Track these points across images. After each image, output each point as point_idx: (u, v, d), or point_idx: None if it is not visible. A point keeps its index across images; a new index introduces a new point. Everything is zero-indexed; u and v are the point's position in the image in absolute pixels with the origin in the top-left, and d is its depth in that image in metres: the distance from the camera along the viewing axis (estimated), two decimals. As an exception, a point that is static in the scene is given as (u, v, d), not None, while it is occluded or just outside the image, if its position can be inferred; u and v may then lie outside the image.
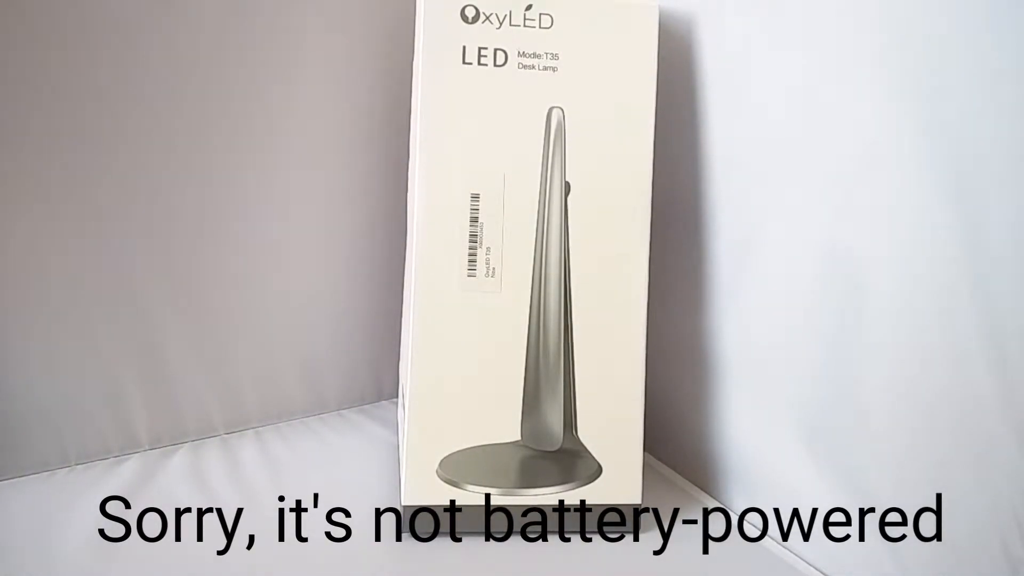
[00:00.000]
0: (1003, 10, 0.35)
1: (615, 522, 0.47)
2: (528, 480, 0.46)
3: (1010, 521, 0.36)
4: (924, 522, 0.40)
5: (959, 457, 0.38)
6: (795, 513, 0.47)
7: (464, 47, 0.45)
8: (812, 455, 0.45)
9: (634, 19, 0.46)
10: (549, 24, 0.45)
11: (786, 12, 0.45)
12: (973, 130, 0.36)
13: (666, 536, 0.48)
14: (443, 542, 0.46)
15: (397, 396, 0.65)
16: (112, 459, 0.53)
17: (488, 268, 0.45)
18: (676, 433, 0.56)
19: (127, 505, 0.48)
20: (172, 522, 0.47)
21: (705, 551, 0.47)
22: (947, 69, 0.37)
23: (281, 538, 0.46)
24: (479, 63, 0.45)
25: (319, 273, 0.60)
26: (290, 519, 0.48)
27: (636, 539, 0.47)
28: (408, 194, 0.55)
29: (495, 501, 0.46)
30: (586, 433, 0.47)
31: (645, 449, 0.48)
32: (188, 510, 0.48)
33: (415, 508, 0.46)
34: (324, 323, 0.61)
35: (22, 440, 0.50)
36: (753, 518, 0.50)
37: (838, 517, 0.44)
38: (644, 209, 0.47)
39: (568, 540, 0.47)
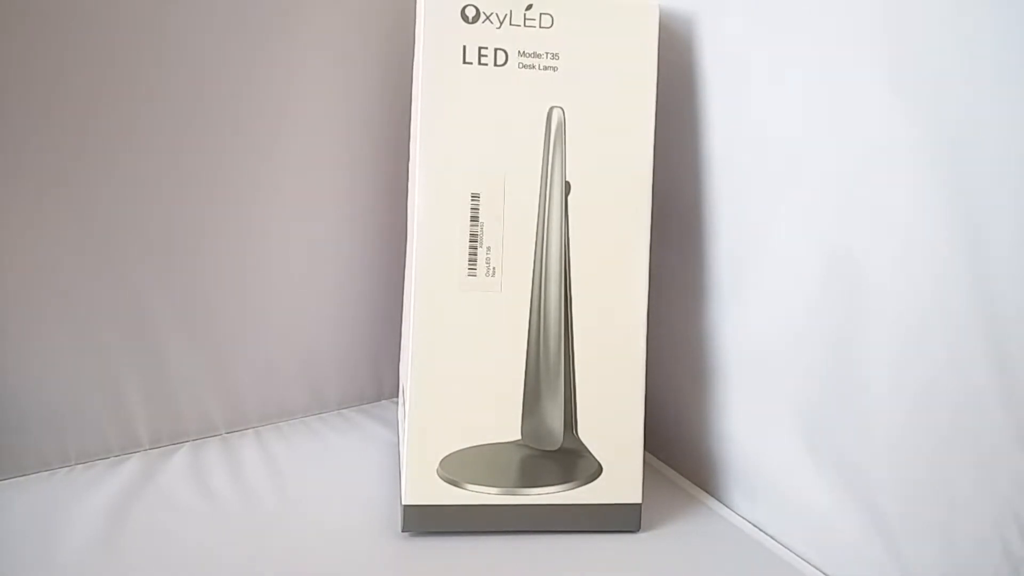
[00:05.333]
0: (1004, 10, 0.35)
1: (615, 521, 0.47)
2: (528, 479, 0.46)
3: (1010, 521, 0.36)
4: (924, 522, 0.40)
5: (959, 457, 0.38)
6: (795, 513, 0.47)
7: (464, 47, 0.45)
8: (812, 455, 0.45)
9: (634, 19, 0.46)
10: (549, 24, 0.45)
11: (786, 12, 0.45)
12: (973, 130, 0.36)
13: (666, 536, 0.48)
14: (444, 542, 0.46)
15: (397, 395, 0.65)
16: (112, 459, 0.53)
17: (488, 268, 0.45)
18: (676, 433, 0.56)
19: (127, 505, 0.48)
20: (172, 522, 0.47)
21: (705, 551, 0.47)
22: (948, 69, 0.37)
23: (281, 538, 0.46)
24: (479, 63, 0.45)
25: (319, 273, 0.60)
26: (290, 519, 0.48)
27: (636, 538, 0.47)
28: (408, 194, 0.55)
29: (495, 501, 0.46)
30: (586, 432, 0.47)
31: (645, 449, 0.48)
32: (188, 510, 0.48)
33: (416, 507, 0.46)
34: (324, 323, 0.61)
35: (23, 440, 0.50)
36: (753, 517, 0.50)
37: (838, 517, 0.44)
38: (644, 209, 0.47)
39: (568, 540, 0.47)
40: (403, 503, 0.46)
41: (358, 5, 0.57)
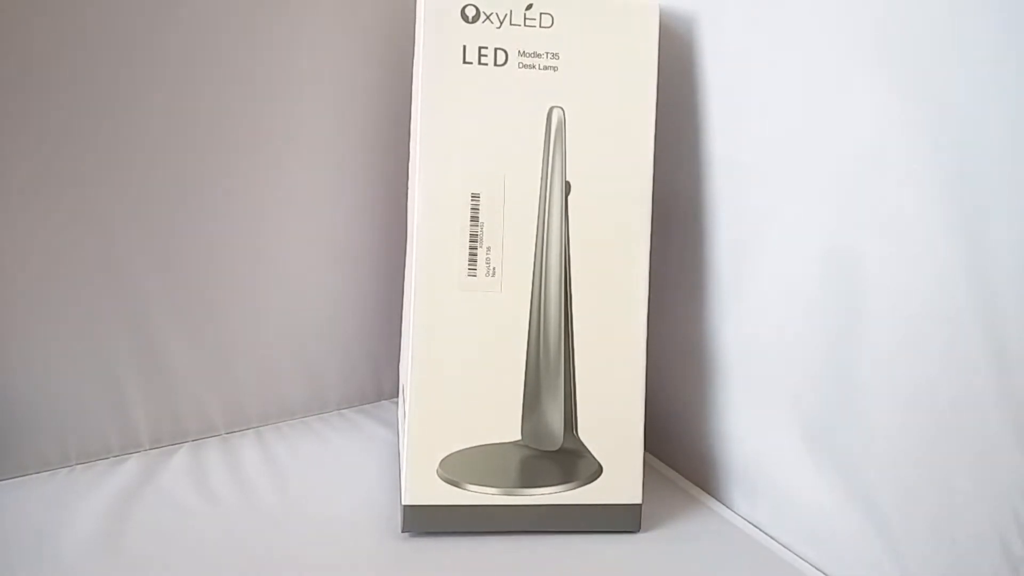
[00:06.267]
0: (1004, 9, 0.35)
1: (615, 522, 0.47)
2: (528, 480, 0.46)
3: (1010, 521, 0.36)
4: (923, 521, 0.40)
5: (959, 457, 0.38)
6: (795, 513, 0.47)
7: (464, 46, 0.45)
8: (812, 455, 0.45)
9: (635, 19, 0.46)
10: (550, 23, 0.45)
11: (786, 12, 0.45)
12: (973, 130, 0.36)
13: (666, 536, 0.48)
14: (444, 542, 0.46)
15: (397, 396, 0.65)
16: (113, 459, 0.53)
17: (488, 268, 0.45)
18: (676, 433, 0.56)
19: (127, 505, 0.48)
20: (172, 522, 0.47)
21: (705, 551, 0.47)
22: (947, 69, 0.37)
23: (281, 538, 0.46)
24: (479, 62, 0.45)
25: (319, 273, 0.60)
26: (290, 519, 0.48)
27: (636, 539, 0.47)
28: (408, 194, 0.55)
29: (495, 501, 0.46)
30: (586, 433, 0.47)
31: (645, 449, 0.48)
32: (188, 510, 0.48)
33: (415, 508, 0.46)
34: (324, 323, 0.61)
35: (23, 440, 0.50)
36: (753, 517, 0.50)
37: (838, 516, 0.44)
38: (644, 208, 0.47)
39: (568, 540, 0.47)
40: (403, 503, 0.46)
41: (359, 5, 0.57)
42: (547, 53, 0.45)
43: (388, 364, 0.64)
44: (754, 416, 0.49)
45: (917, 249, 0.39)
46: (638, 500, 0.47)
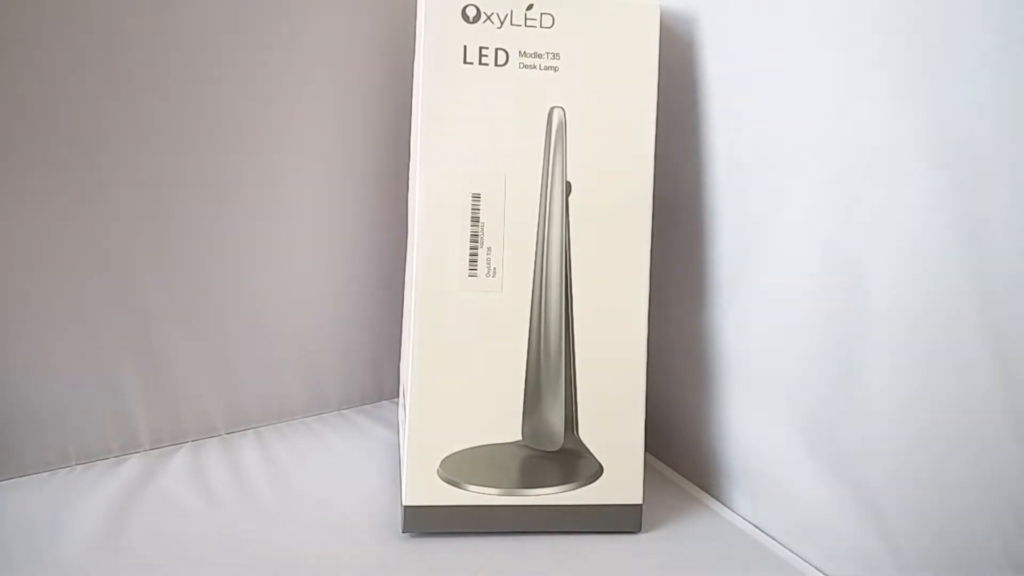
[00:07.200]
0: (1004, 10, 0.35)
1: (616, 522, 0.47)
2: (529, 480, 0.46)
3: (1010, 521, 0.36)
4: (924, 521, 0.40)
5: (959, 456, 0.38)
6: (795, 512, 0.47)
7: (465, 47, 0.45)
8: (812, 454, 0.45)
9: (635, 19, 0.46)
10: (550, 24, 0.45)
11: (786, 12, 0.45)
12: (974, 130, 0.36)
13: (667, 536, 0.48)
14: (444, 542, 0.46)
15: (398, 396, 0.65)
16: (113, 459, 0.53)
17: (489, 268, 0.45)
18: (677, 433, 0.56)
19: (127, 505, 0.48)
20: (173, 522, 0.47)
21: (706, 551, 0.47)
22: (948, 69, 0.37)
23: (281, 539, 0.46)
24: (480, 63, 0.45)
25: (319, 273, 0.60)
26: (291, 519, 0.48)
27: (637, 539, 0.47)
28: (409, 194, 0.55)
29: (496, 501, 0.46)
30: (587, 433, 0.47)
31: (646, 449, 0.48)
32: (188, 510, 0.48)
33: (416, 508, 0.46)
34: (325, 323, 0.61)
35: (23, 440, 0.50)
36: (753, 518, 0.50)
37: (838, 516, 0.44)
38: (645, 209, 0.47)
39: (569, 540, 0.47)
40: (403, 504, 0.46)
41: (360, 5, 0.57)
42: (548, 53, 0.45)
43: (388, 364, 0.64)
44: (754, 416, 0.49)
45: (917, 249, 0.39)
46: (639, 500, 0.47)
